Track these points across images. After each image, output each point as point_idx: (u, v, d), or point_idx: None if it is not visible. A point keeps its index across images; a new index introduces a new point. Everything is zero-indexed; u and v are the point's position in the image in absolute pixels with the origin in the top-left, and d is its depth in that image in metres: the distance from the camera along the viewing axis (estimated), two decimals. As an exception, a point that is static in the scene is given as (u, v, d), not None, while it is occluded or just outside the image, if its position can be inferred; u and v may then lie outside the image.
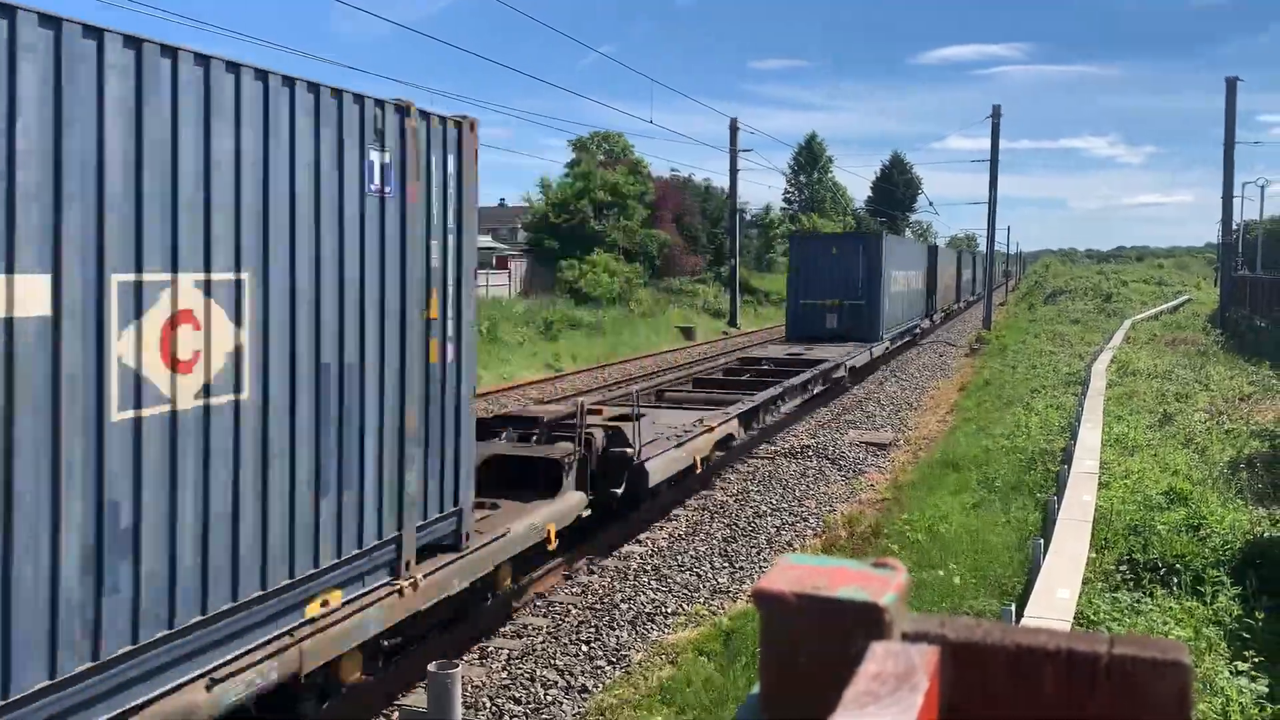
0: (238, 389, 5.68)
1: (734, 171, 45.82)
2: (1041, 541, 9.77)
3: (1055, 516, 10.66)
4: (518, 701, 7.92)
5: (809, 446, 17.66)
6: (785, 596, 0.71)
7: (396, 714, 7.40)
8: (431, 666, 4.92)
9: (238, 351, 5.68)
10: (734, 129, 45.11)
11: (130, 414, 5.01)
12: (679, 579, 10.88)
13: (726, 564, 11.47)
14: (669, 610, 9.99)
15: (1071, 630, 0.71)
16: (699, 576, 11.01)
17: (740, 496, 14.33)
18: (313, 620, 6.24)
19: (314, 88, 6.19)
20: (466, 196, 7.81)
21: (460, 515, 7.96)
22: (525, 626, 9.40)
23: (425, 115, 7.24)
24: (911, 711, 0.56)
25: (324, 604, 6.39)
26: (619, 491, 10.92)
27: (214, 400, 5.52)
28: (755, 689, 0.82)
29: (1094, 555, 9.91)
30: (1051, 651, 0.64)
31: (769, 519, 13.27)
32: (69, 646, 4.76)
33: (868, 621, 0.68)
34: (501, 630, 9.29)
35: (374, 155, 6.70)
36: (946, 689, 0.66)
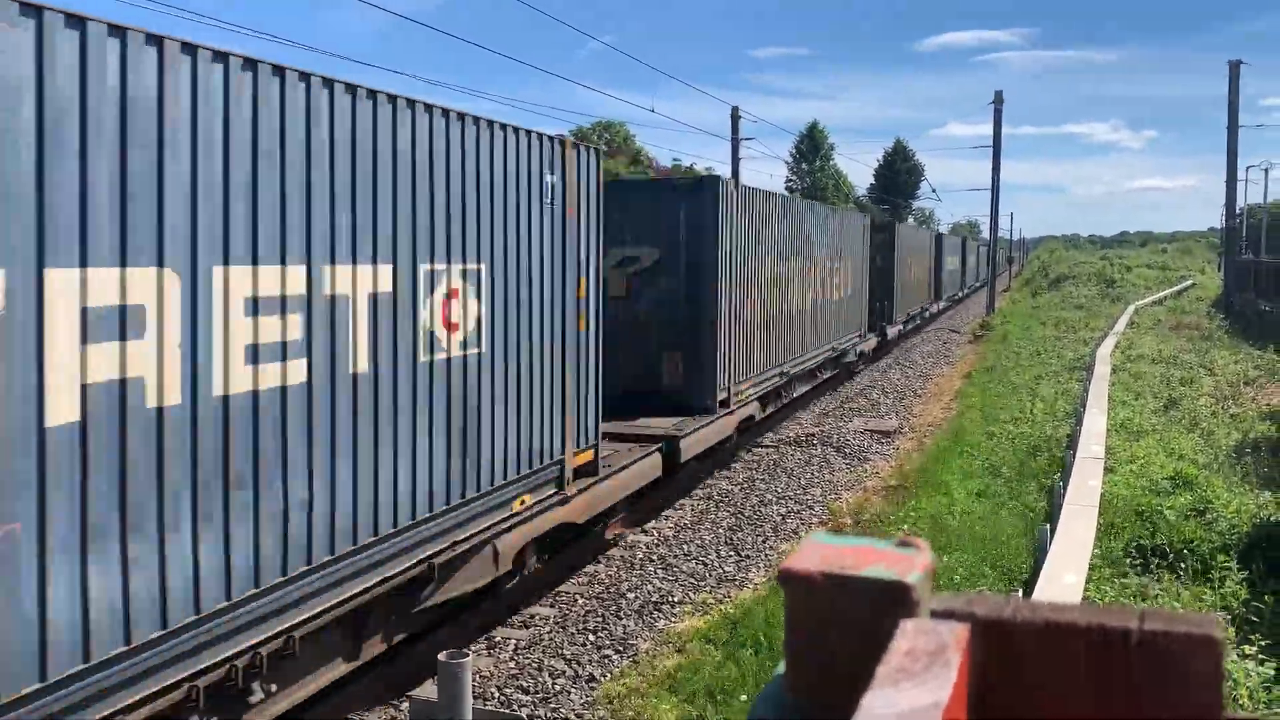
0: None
1: (736, 160, 45.73)
2: (1048, 527, 9.78)
3: (1061, 502, 10.67)
4: (526, 691, 7.95)
5: (813, 435, 17.66)
6: (813, 576, 0.70)
7: (407, 704, 7.43)
8: (442, 656, 4.94)
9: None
10: (735, 117, 45.00)
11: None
12: (685, 568, 10.89)
13: (732, 552, 11.48)
14: (675, 599, 10.00)
15: (1100, 606, 0.72)
16: (705, 565, 11.03)
17: (746, 485, 14.34)
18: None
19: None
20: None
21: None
22: (533, 616, 9.43)
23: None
24: (946, 687, 0.55)
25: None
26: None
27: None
28: (779, 669, 0.82)
29: (1100, 540, 9.91)
30: (1082, 627, 0.64)
31: (774, 507, 13.29)
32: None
33: (896, 600, 0.68)
34: (509, 620, 9.32)
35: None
36: (976, 666, 0.66)
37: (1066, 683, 0.64)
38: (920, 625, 0.63)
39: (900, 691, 0.55)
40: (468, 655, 4.98)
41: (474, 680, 7.74)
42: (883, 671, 0.58)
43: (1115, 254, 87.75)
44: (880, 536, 0.85)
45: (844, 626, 0.69)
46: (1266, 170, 60.81)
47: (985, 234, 65.35)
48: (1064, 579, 8.36)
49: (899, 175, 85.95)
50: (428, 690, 7.44)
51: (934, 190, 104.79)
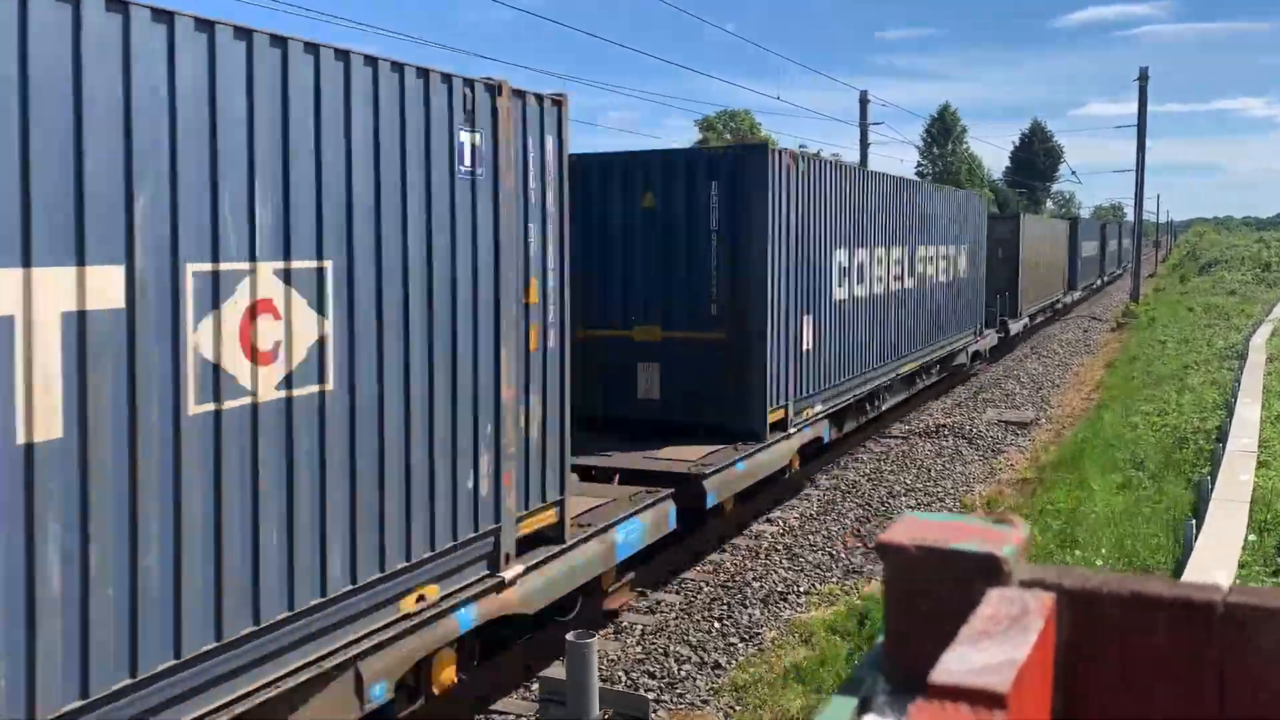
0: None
1: (864, 145, 44.90)
2: (1194, 523, 9.38)
3: (1209, 496, 10.21)
4: (652, 675, 8.07)
5: (944, 425, 17.30)
6: (907, 548, 0.75)
7: (537, 683, 7.65)
8: (570, 636, 5.10)
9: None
10: (864, 102, 44.18)
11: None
12: (811, 558, 10.85)
13: (859, 544, 11.37)
14: (801, 590, 9.98)
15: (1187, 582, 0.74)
16: (831, 556, 10.95)
17: (873, 476, 14.16)
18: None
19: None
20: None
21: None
22: (658, 603, 9.55)
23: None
24: (1023, 648, 0.60)
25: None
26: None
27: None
28: (880, 639, 0.87)
29: (1252, 538, 9.44)
30: (1168, 600, 0.67)
31: (903, 499, 13.08)
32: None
33: (986, 570, 0.72)
34: (634, 605, 9.46)
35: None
36: (1063, 634, 0.69)
37: (1150, 650, 0.67)
38: (1006, 593, 0.67)
39: (979, 650, 0.60)
40: (594, 635, 5.11)
41: (602, 663, 7.91)
42: (965, 633, 0.62)
43: (1272, 236, 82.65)
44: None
45: (936, 595, 0.73)
46: None
47: (1130, 216, 62.58)
48: (1213, 576, 8.00)
49: (1036, 158, 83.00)
50: (556, 671, 7.64)
51: (1074, 172, 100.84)
